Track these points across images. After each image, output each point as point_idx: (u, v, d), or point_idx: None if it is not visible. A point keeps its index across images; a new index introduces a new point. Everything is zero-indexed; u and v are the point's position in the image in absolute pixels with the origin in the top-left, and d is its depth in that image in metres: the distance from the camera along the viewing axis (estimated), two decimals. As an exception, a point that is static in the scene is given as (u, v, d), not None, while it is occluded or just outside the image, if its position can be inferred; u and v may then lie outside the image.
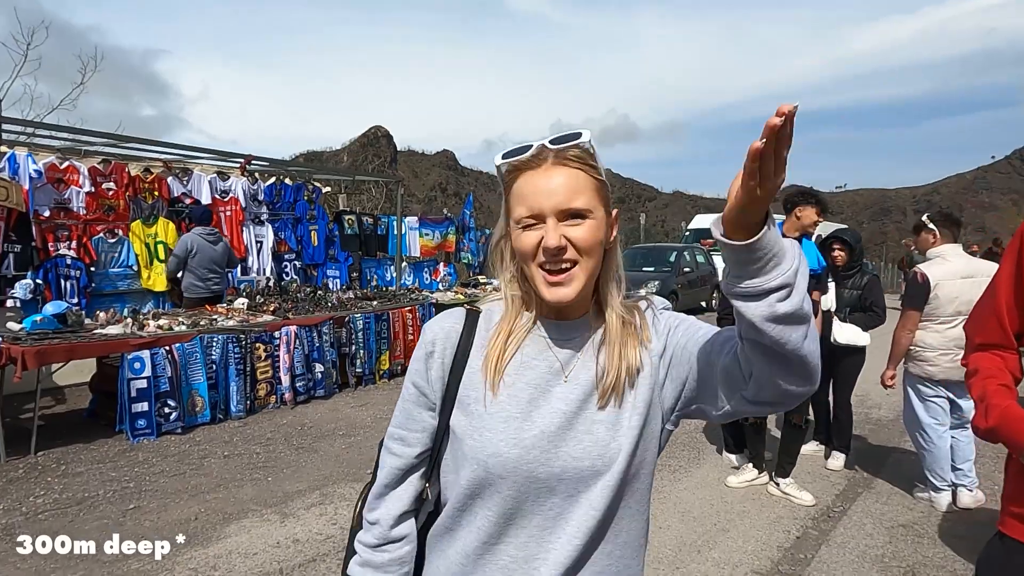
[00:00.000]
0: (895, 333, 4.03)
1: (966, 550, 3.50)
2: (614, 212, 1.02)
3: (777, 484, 4.23)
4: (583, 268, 0.96)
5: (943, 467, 4.00)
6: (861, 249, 4.94)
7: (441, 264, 11.52)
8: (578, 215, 0.95)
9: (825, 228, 17.96)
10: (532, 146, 0.97)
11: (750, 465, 4.47)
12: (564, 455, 0.96)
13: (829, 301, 4.79)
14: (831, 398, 4.88)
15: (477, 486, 0.98)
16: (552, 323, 1.04)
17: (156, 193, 7.42)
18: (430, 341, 1.05)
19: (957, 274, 3.83)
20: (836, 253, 4.81)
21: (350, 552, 1.14)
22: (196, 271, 6.66)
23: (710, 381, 0.95)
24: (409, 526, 1.08)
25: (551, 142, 0.96)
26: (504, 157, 0.99)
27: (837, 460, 4.82)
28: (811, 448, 5.06)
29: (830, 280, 4.88)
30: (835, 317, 4.65)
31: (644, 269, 14.06)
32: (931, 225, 3.99)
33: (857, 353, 4.71)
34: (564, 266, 0.95)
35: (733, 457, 4.84)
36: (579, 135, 0.96)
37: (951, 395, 4.00)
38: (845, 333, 4.55)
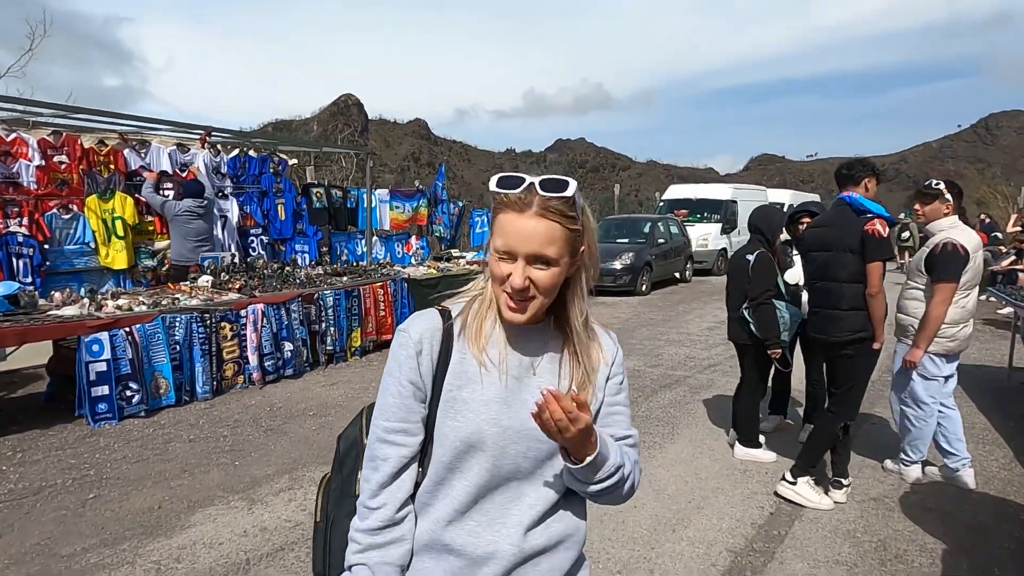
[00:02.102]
0: (933, 309, 3.70)
1: (935, 523, 3.54)
2: (582, 249, 1.15)
3: (793, 483, 3.79)
4: (539, 302, 1.13)
5: (924, 443, 4.00)
6: None
7: (413, 237, 11.32)
8: (545, 261, 1.09)
9: (797, 199, 18.04)
10: (524, 181, 1.10)
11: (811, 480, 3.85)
12: (532, 438, 1.13)
13: (797, 275, 4.75)
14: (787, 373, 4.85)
15: (457, 460, 1.14)
16: (513, 326, 1.19)
17: (112, 167, 7.10)
18: (417, 340, 1.16)
19: (977, 246, 3.77)
20: (805, 225, 4.76)
21: (324, 545, 1.26)
22: (187, 240, 7.10)
23: None
24: (410, 509, 1.18)
25: (542, 186, 1.09)
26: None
27: (808, 432, 4.84)
28: (774, 422, 5.08)
29: (795, 253, 4.84)
30: (803, 291, 4.63)
31: (618, 240, 14.01)
32: (948, 195, 3.82)
33: None
34: (523, 299, 1.11)
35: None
36: (567, 186, 1.09)
37: (954, 370, 3.96)
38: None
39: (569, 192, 1.09)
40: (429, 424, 1.17)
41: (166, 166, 7.62)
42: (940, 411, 3.97)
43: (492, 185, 1.12)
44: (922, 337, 3.77)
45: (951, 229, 3.77)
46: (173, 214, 7.10)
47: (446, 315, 1.20)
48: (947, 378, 3.95)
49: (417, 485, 1.19)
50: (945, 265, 3.69)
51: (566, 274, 1.15)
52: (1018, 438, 4.84)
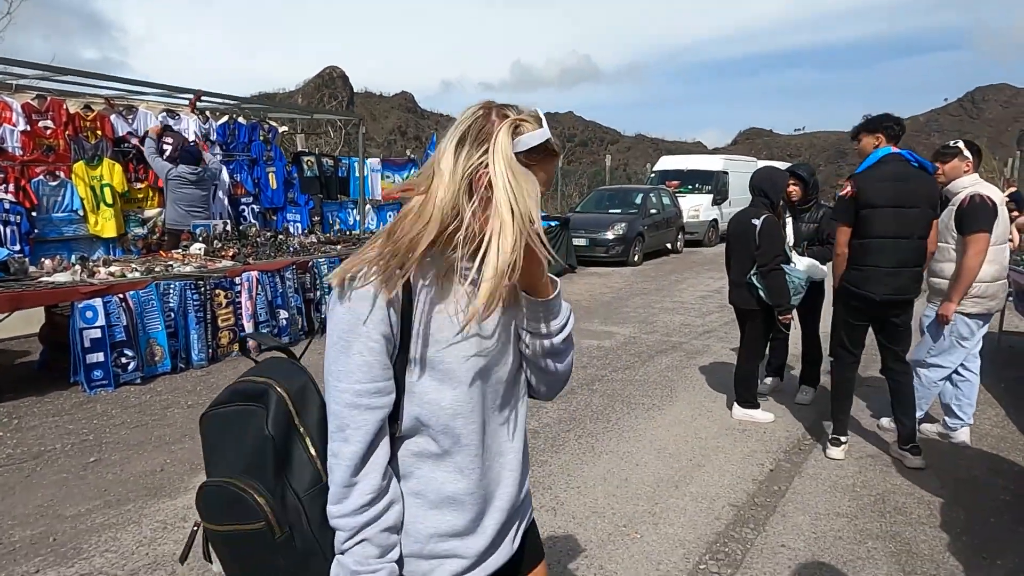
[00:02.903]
0: (969, 260, 3.60)
1: (931, 478, 3.60)
2: None
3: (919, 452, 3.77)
4: None
5: (927, 403, 4.05)
6: (816, 183, 4.93)
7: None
8: None
9: (782, 165, 18.02)
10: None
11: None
12: (503, 359, 1.19)
13: (787, 236, 4.77)
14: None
15: (459, 404, 1.12)
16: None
17: (99, 132, 6.95)
18: (379, 292, 1.06)
19: (1002, 199, 3.75)
20: (791, 188, 4.76)
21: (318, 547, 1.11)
22: (178, 206, 7.06)
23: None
24: (391, 469, 1.12)
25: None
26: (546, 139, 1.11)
27: (806, 394, 4.91)
28: (771, 384, 5.13)
29: (788, 215, 4.86)
30: (794, 252, 4.65)
31: (611, 211, 13.98)
32: (967, 152, 3.79)
33: (819, 288, 4.75)
34: None
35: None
36: None
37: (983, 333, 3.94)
38: (804, 266, 4.55)
39: None
40: (398, 376, 1.10)
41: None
42: (959, 374, 4.00)
43: (544, 138, 1.10)
44: (956, 290, 3.70)
45: (974, 185, 3.74)
46: (167, 178, 7.01)
47: (387, 262, 1.13)
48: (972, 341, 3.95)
49: (396, 439, 1.13)
50: (975, 216, 3.62)
51: None
52: (1008, 398, 4.94)
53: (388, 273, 1.06)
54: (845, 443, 3.90)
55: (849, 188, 3.61)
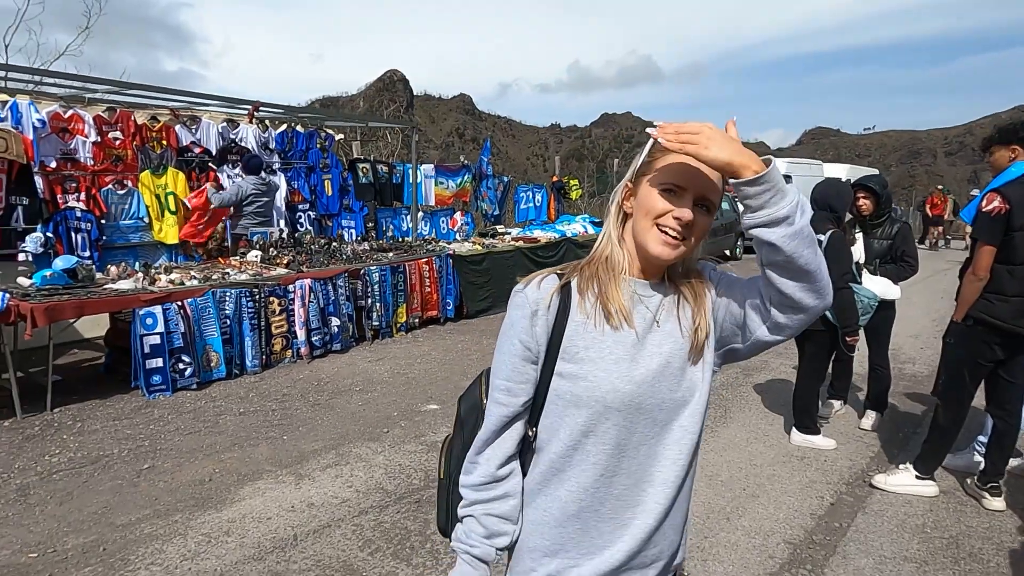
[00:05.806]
0: None
1: (1011, 520, 3.32)
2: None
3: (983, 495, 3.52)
4: (688, 245, 1.13)
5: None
6: (889, 196, 4.59)
7: (458, 213, 11.24)
8: (707, 207, 1.13)
9: (853, 173, 17.34)
10: None
11: (910, 466, 3.67)
12: (664, 388, 1.13)
13: (857, 253, 4.49)
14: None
15: (593, 423, 1.13)
16: (638, 281, 1.19)
17: (164, 142, 7.20)
18: (534, 301, 1.17)
19: None
20: (861, 202, 4.47)
21: (447, 502, 1.34)
22: (251, 217, 7.19)
23: (740, 317, 1.17)
24: (513, 466, 1.22)
25: None
26: None
27: (870, 419, 4.63)
28: (836, 407, 4.85)
29: (857, 231, 4.57)
30: (865, 269, 4.37)
31: (666, 217, 13.67)
32: None
33: (888, 307, 4.45)
34: (681, 236, 1.11)
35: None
36: None
37: None
38: (877, 286, 4.27)
39: None
40: (542, 386, 1.18)
41: (215, 142, 7.70)
42: None
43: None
44: None
45: None
46: (243, 197, 7.07)
47: (564, 276, 1.21)
48: None
49: (527, 446, 1.22)
50: None
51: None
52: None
53: (549, 285, 1.19)
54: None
55: (999, 203, 3.16)
